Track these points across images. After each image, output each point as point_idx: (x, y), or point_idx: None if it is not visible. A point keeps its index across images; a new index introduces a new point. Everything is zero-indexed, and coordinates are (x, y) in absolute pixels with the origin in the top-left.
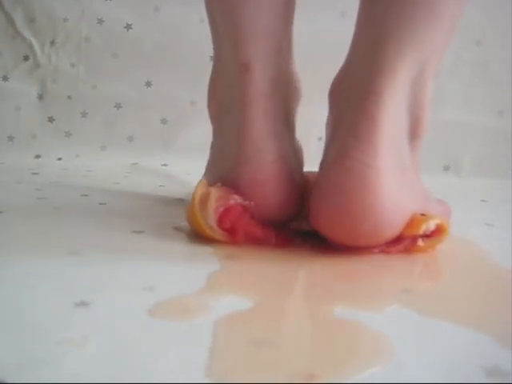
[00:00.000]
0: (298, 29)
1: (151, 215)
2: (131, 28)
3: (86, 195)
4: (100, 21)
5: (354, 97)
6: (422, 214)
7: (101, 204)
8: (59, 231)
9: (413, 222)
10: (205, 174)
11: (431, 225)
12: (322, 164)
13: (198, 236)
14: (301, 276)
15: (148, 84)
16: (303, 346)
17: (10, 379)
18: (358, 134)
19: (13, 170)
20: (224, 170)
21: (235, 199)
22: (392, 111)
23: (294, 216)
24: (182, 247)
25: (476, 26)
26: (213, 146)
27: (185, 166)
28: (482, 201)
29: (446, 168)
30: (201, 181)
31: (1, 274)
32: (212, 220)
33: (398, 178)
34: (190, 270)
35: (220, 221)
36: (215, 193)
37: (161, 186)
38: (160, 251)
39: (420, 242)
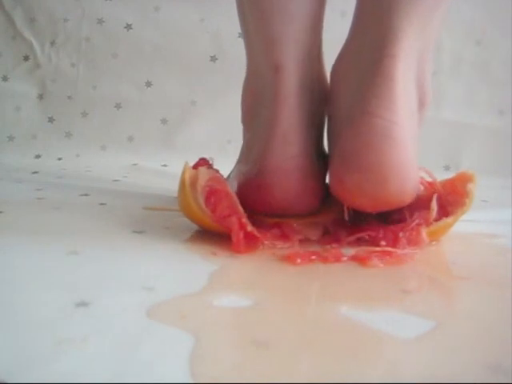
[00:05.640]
0: None
1: (151, 215)
2: (131, 28)
3: (85, 195)
4: (100, 21)
5: (367, 63)
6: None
7: (101, 204)
8: (59, 231)
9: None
10: (233, 170)
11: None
12: (335, 127)
13: (198, 236)
14: (301, 276)
15: (148, 84)
16: (303, 347)
17: (9, 379)
18: (379, 93)
19: (13, 169)
20: (250, 163)
21: (224, 185)
22: (406, 74)
23: (311, 210)
24: (182, 247)
25: (476, 26)
26: (243, 143)
27: None
28: (482, 201)
29: (446, 168)
30: (186, 166)
31: (1, 273)
32: (201, 199)
33: (413, 138)
34: (190, 270)
35: (207, 200)
36: (204, 173)
37: (161, 186)
38: (160, 251)
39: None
